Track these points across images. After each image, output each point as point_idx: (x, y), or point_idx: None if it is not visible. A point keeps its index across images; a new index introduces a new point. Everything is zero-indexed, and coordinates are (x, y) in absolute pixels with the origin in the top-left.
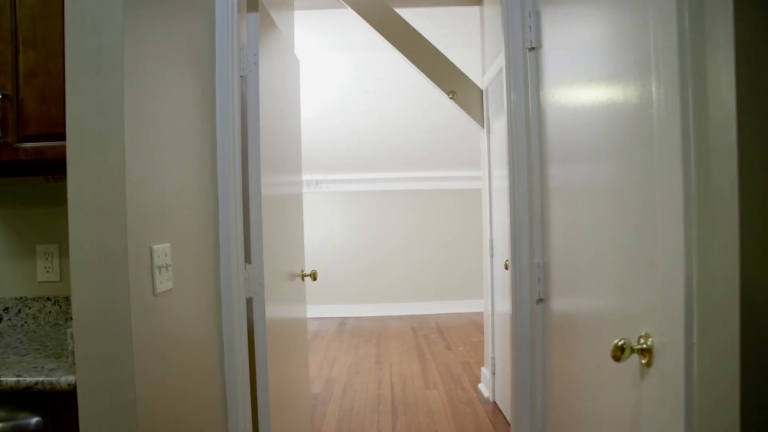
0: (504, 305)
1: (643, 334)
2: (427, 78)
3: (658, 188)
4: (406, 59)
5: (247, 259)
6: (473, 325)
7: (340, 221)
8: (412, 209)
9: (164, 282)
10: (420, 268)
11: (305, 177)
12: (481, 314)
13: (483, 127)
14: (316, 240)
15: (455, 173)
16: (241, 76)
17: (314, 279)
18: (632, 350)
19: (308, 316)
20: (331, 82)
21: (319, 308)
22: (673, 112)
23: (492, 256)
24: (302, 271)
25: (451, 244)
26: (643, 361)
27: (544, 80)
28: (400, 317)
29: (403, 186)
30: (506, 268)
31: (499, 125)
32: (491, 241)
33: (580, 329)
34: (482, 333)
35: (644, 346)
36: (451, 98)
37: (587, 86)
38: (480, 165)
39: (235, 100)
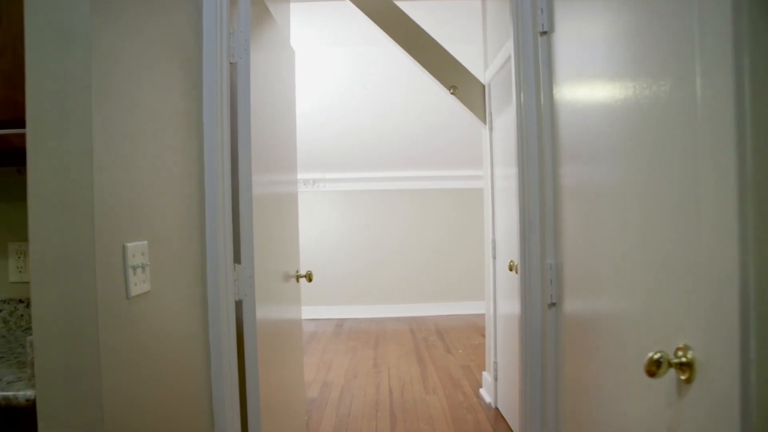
0: (506, 307)
1: (680, 346)
2: (427, 72)
3: (702, 182)
4: (406, 53)
5: (237, 259)
6: (473, 327)
7: (337, 221)
8: (410, 209)
9: (140, 284)
10: (418, 268)
11: (302, 176)
12: (480, 316)
13: (485, 123)
14: (313, 240)
15: (455, 172)
16: (231, 63)
17: (309, 280)
18: (670, 364)
19: (305, 317)
20: (329, 78)
21: (315, 309)
22: (724, 102)
23: (494, 257)
24: (297, 271)
25: (450, 245)
26: (682, 377)
27: (556, 69)
28: (399, 319)
29: (402, 185)
30: (511, 269)
31: (502, 121)
32: (493, 241)
33: (599, 337)
34: (482, 336)
35: (683, 360)
36: (452, 93)
37: (608, 77)
38: (481, 164)
39: (223, 88)
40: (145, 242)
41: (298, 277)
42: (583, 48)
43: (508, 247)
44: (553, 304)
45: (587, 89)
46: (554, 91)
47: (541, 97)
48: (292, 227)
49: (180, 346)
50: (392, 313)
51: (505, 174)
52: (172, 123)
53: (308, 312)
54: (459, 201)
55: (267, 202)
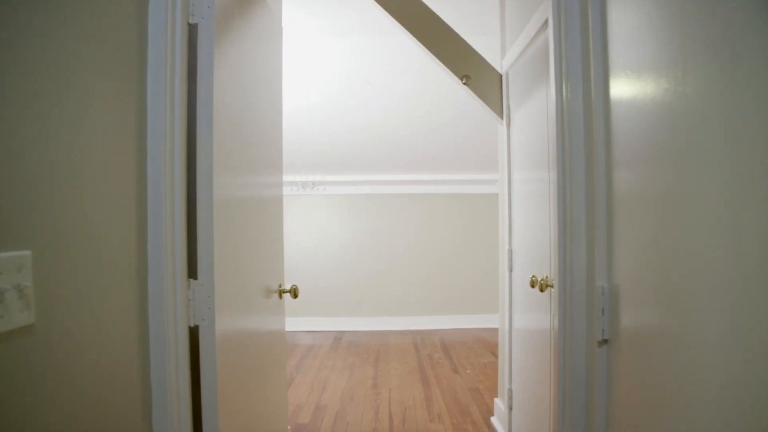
0: (524, 326)
1: None
2: (437, 60)
3: None
4: (413, 38)
5: (192, 273)
6: (481, 343)
7: (337, 226)
8: (416, 215)
9: (13, 315)
10: (424, 279)
11: (299, 177)
12: (489, 331)
13: (501, 118)
14: (311, 246)
15: (464, 176)
16: (190, 24)
17: (294, 296)
18: None
19: (301, 328)
20: (328, 71)
21: (313, 321)
22: None
23: (511, 270)
24: (280, 286)
25: (458, 254)
26: None
27: (613, 48)
28: (402, 332)
29: (407, 189)
30: (533, 285)
31: (522, 116)
32: (510, 251)
33: (681, 394)
34: (492, 353)
35: None
36: (464, 84)
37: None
38: (493, 167)
39: (176, 54)
40: (28, 252)
41: (281, 293)
42: (655, 16)
43: (529, 259)
44: (605, 341)
45: (662, 76)
46: (608, 75)
47: (591, 85)
48: (276, 236)
49: (97, 399)
50: (395, 325)
51: (527, 177)
52: (93, 94)
53: (305, 323)
54: (468, 207)
55: (242, 206)
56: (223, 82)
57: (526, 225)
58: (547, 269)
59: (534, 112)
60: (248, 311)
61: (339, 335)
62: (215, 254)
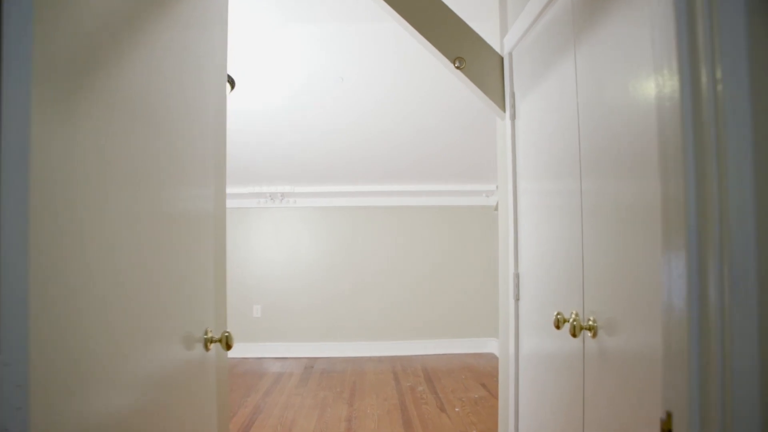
0: (537, 375)
1: None
2: (422, 39)
3: None
4: (392, 11)
5: None
6: (469, 371)
7: (309, 242)
8: (395, 229)
9: None
10: (404, 299)
11: (266, 188)
12: (476, 357)
13: (503, 110)
14: (280, 264)
15: (449, 187)
16: None
17: (227, 347)
18: None
19: (269, 355)
20: (294, 66)
21: (282, 347)
22: None
23: (517, 299)
24: (207, 333)
25: (443, 272)
26: None
27: None
28: (380, 359)
29: (385, 201)
30: (558, 326)
31: (533, 106)
32: (517, 276)
33: None
34: (482, 385)
35: None
36: (457, 68)
37: None
38: (483, 175)
39: None
40: None
41: (208, 343)
42: None
43: (546, 289)
44: None
45: None
46: None
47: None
48: (203, 264)
49: None
50: (372, 351)
51: (544, 187)
52: None
53: (273, 349)
54: (454, 220)
55: (137, 229)
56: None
57: (542, 246)
58: (579, 305)
59: (554, 102)
60: (150, 376)
61: (311, 362)
62: (40, 299)
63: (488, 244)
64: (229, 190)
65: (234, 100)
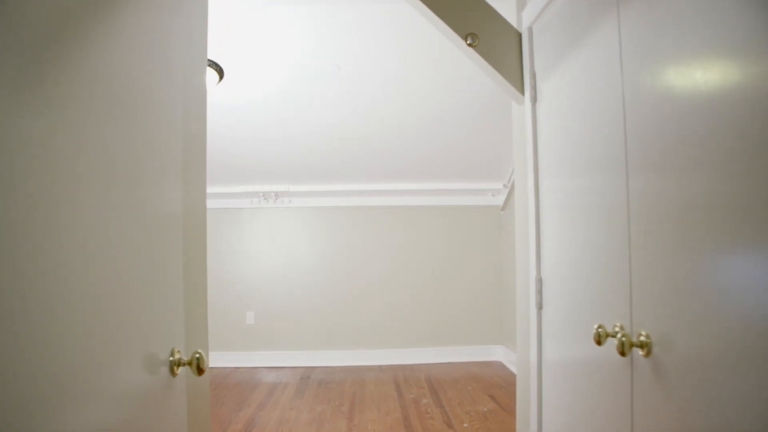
0: (567, 399)
1: None
2: (430, 13)
3: None
4: None
5: None
6: (476, 381)
7: (305, 244)
8: (397, 230)
9: None
10: (406, 305)
11: (260, 188)
12: (482, 365)
13: (521, 92)
14: (275, 267)
15: (454, 185)
16: None
17: (199, 372)
18: None
19: (263, 365)
20: (286, 53)
21: (277, 355)
22: None
23: (540, 306)
24: (174, 354)
25: (447, 276)
26: None
27: None
28: (381, 368)
29: (386, 201)
30: (599, 341)
31: (554, 88)
32: (539, 281)
33: None
34: (491, 396)
35: None
36: (469, 45)
37: None
38: (490, 173)
39: None
40: None
41: (175, 366)
42: None
43: (575, 297)
44: None
45: None
46: None
47: None
48: (165, 274)
49: None
50: (373, 360)
51: (576, 184)
52: None
53: (268, 358)
54: (459, 221)
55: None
56: None
57: (571, 250)
58: (624, 317)
59: (588, 82)
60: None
61: (308, 372)
62: None
63: (494, 246)
64: (219, 189)
65: (223, 91)
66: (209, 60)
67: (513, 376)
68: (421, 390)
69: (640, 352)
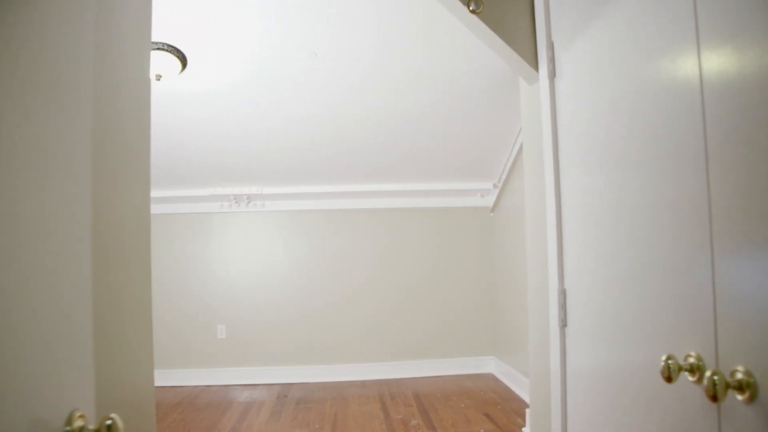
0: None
1: None
2: None
3: None
4: None
5: None
6: (468, 396)
7: (281, 251)
8: (380, 234)
9: None
10: (391, 315)
11: (229, 190)
12: (473, 378)
13: (535, 67)
14: (247, 277)
15: (440, 185)
16: None
17: None
18: None
19: (236, 382)
20: (259, 37)
21: (251, 372)
22: None
23: (564, 324)
24: (74, 420)
25: (434, 283)
26: None
27: None
28: (364, 384)
29: (369, 203)
30: (670, 377)
31: (577, 60)
32: (562, 294)
33: None
34: (486, 415)
35: None
36: (473, 11)
37: None
38: (482, 172)
39: None
40: None
41: None
42: None
43: (616, 316)
44: None
45: None
46: None
47: None
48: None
49: None
50: (356, 375)
51: (605, 180)
52: None
53: (241, 375)
54: (448, 224)
55: None
56: None
57: (614, 255)
58: (704, 346)
59: (641, 48)
60: None
61: (284, 390)
62: None
63: (485, 250)
64: (184, 192)
65: (188, 81)
66: (169, 46)
67: (507, 390)
68: (409, 409)
69: (738, 397)
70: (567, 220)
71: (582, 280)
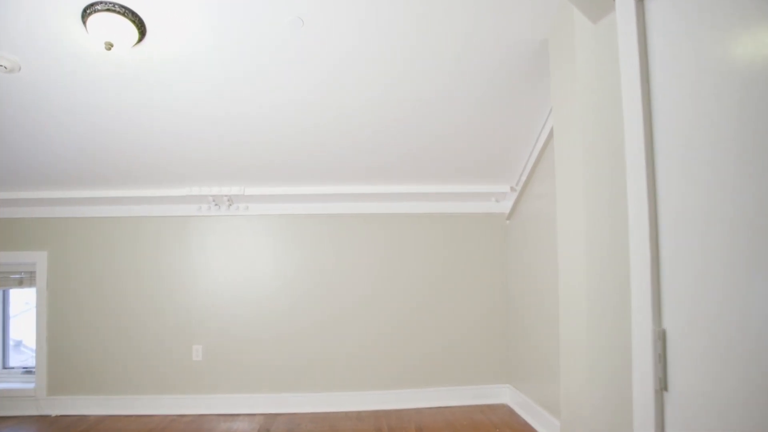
0: None
1: None
2: None
3: None
4: None
5: None
6: (480, 427)
7: (266, 262)
8: (380, 243)
9: None
10: (391, 336)
11: (207, 190)
12: (485, 409)
13: None
14: (229, 290)
15: (448, 188)
16: None
17: None
18: None
19: (214, 411)
20: None
21: (231, 400)
22: None
23: (664, 388)
24: None
25: (440, 300)
26: None
27: None
28: (360, 416)
29: (367, 207)
30: None
31: None
32: (660, 336)
33: None
34: None
35: None
36: None
37: None
38: (500, 172)
39: None
40: None
41: None
42: None
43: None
44: None
45: None
46: None
47: None
48: None
49: None
50: (350, 405)
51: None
52: None
53: (220, 403)
54: (454, 232)
55: None
56: None
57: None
58: None
59: None
60: None
61: (268, 422)
62: None
63: (499, 264)
64: (153, 192)
65: (146, 54)
66: (122, 7)
67: (526, 426)
68: None
69: None
70: (668, 227)
71: (697, 317)
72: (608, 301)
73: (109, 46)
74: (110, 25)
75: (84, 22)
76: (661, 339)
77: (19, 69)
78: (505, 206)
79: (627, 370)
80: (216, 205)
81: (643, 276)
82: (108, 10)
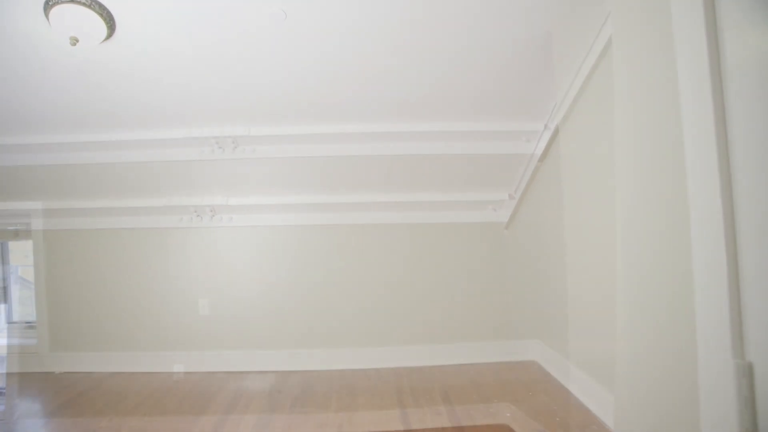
0: None
1: None
2: None
3: None
4: None
5: None
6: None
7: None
8: (377, 250)
9: None
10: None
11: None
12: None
13: None
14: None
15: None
16: None
17: None
18: None
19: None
20: None
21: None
22: None
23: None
24: None
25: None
26: None
27: None
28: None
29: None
30: None
31: None
32: (745, 370)
33: None
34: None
35: None
36: None
37: None
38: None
39: None
40: None
41: None
42: None
43: None
44: None
45: None
46: None
47: None
48: None
49: None
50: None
51: None
52: None
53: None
54: (448, 243)
55: None
56: None
57: None
58: None
59: None
60: None
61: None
62: None
63: (497, 275)
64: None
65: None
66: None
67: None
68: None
69: None
70: (749, 236)
71: None
72: (658, 329)
73: (73, 41)
74: (77, 18)
75: (46, 15)
76: (747, 372)
77: None
78: (503, 215)
79: (689, 413)
80: (197, 215)
81: (717, 297)
82: (73, 1)
